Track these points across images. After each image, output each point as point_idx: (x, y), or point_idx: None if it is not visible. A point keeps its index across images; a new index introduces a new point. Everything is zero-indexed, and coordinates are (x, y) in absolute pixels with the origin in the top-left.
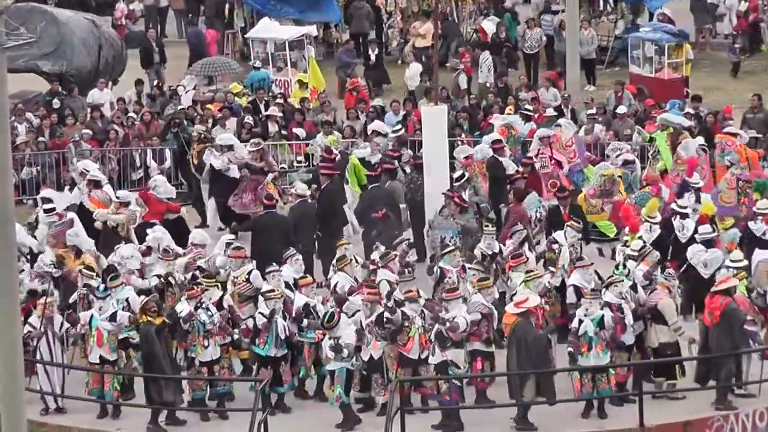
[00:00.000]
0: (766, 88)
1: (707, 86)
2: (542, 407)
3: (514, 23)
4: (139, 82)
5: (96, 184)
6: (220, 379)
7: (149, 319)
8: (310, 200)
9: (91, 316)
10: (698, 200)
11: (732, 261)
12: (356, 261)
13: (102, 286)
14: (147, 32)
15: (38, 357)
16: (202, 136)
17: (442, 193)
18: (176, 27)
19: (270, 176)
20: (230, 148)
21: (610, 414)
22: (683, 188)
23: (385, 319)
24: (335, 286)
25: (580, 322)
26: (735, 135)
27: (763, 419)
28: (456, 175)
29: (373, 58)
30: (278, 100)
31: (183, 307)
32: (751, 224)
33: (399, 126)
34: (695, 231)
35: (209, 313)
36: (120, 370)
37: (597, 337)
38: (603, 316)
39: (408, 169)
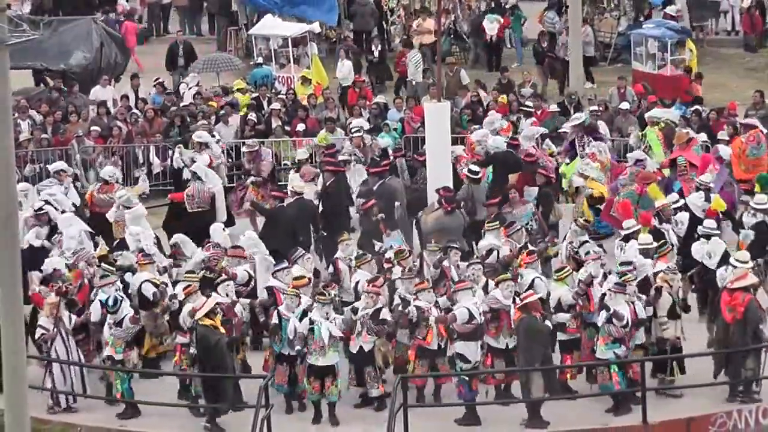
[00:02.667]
0: None
1: (710, 83)
2: (549, 402)
3: (519, 22)
4: (134, 77)
5: (105, 182)
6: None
7: (212, 323)
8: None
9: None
10: (707, 199)
11: (736, 260)
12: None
13: (111, 300)
14: (177, 33)
15: (54, 357)
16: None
17: (436, 191)
18: (179, 24)
19: (250, 179)
20: (206, 146)
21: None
22: (669, 186)
23: (381, 317)
24: (357, 284)
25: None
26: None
27: (766, 416)
28: None
29: (376, 54)
30: (281, 95)
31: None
32: (744, 216)
33: (359, 127)
34: (699, 222)
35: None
36: (132, 368)
37: (603, 329)
38: (614, 310)
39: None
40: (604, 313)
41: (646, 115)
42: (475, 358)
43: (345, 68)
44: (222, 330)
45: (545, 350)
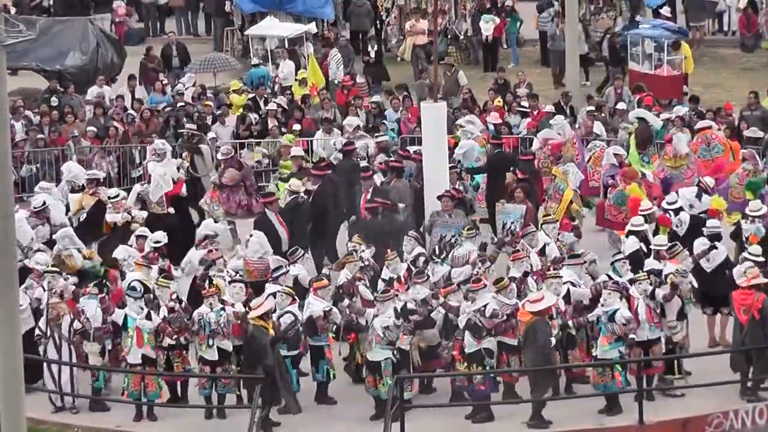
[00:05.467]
0: (766, 85)
1: (707, 83)
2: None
3: (515, 23)
4: (131, 77)
5: (97, 182)
6: (223, 377)
7: (264, 324)
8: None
9: (125, 315)
10: (698, 197)
11: (750, 254)
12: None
13: (140, 286)
14: (169, 35)
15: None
16: (192, 133)
17: (438, 197)
18: (175, 25)
19: (212, 177)
20: (163, 154)
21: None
22: (665, 184)
23: (409, 312)
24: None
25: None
26: (710, 128)
27: (763, 416)
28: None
29: (372, 55)
30: (280, 95)
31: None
32: (743, 224)
33: (377, 132)
34: (703, 224)
35: (220, 314)
36: (141, 370)
37: (605, 328)
38: (617, 310)
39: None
40: (601, 312)
41: (631, 114)
42: (496, 352)
43: (287, 68)
44: (271, 332)
45: (548, 352)
